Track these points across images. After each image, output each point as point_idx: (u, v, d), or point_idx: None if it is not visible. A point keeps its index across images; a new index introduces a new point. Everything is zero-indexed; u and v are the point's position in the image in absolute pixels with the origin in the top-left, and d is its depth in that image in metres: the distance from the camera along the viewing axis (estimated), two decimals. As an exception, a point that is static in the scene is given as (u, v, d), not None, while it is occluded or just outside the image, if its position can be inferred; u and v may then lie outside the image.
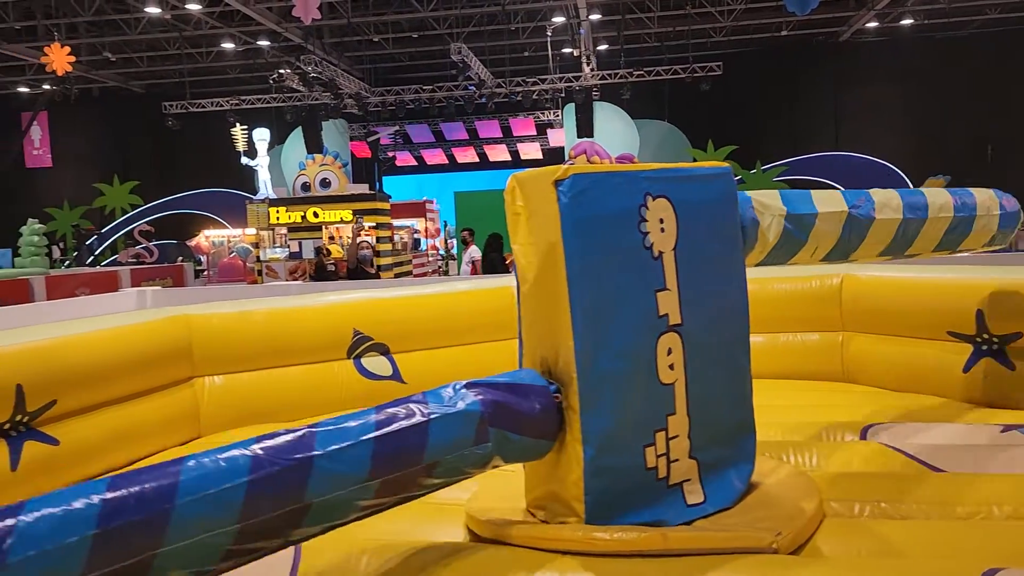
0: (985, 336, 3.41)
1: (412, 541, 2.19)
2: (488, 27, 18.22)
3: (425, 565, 2.00)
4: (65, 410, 2.96)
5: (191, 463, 1.60)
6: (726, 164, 2.28)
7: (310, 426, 1.77)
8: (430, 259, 19.63)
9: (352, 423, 1.79)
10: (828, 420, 3.18)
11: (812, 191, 2.65)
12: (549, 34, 18.43)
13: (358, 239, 12.93)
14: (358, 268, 11.28)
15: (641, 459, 2.09)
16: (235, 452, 1.64)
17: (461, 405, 1.90)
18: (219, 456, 1.62)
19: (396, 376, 3.99)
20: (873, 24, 18.52)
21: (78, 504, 1.44)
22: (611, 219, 2.07)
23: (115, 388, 3.20)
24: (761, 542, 1.92)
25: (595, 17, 17.51)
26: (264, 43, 18.64)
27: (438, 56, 19.92)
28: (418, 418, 1.83)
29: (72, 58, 13.65)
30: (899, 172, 19.22)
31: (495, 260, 10.35)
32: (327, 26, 18.11)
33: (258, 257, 15.27)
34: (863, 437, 2.93)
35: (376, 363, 3.97)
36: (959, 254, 3.32)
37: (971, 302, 3.44)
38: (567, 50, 19.27)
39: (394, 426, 1.80)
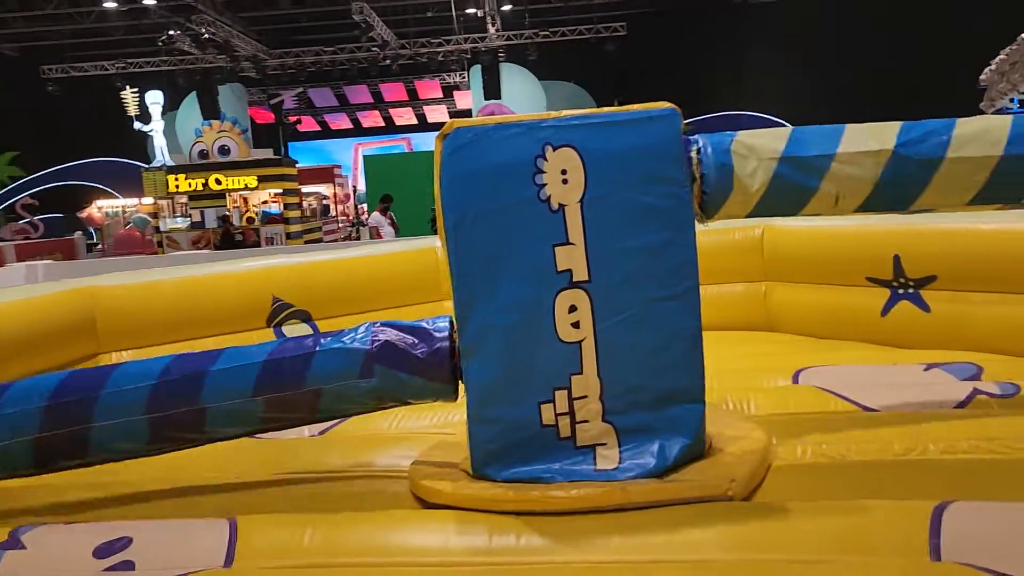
0: (902, 280, 3.52)
1: (354, 512, 2.09)
2: (390, -14, 17.71)
3: (370, 535, 1.91)
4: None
5: (125, 366, 2.21)
6: (670, 105, 2.13)
7: (225, 348, 2.18)
8: (340, 225, 19.17)
9: (253, 348, 2.17)
10: (759, 367, 3.23)
11: (854, 125, 2.24)
12: (453, -7, 18.07)
13: None
14: None
15: (535, 415, 2.04)
16: (155, 362, 2.17)
17: (351, 342, 2.11)
18: (143, 364, 2.18)
19: (320, 344, 3.84)
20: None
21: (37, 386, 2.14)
22: (495, 172, 1.99)
23: (8, 370, 2.93)
24: (717, 490, 1.91)
25: (499, -24, 17.26)
26: (150, 2, 17.54)
27: (339, 16, 19.20)
28: (306, 349, 2.11)
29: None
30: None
31: None
32: (218, -17, 17.20)
33: (157, 228, 14.56)
34: (795, 381, 2.98)
35: (298, 331, 3.80)
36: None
37: (888, 247, 3.54)
38: (471, 10, 18.94)
39: (282, 354, 2.12)
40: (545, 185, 2.00)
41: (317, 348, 2.11)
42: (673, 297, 2.08)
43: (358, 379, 2.08)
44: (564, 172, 2.00)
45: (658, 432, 2.09)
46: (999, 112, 14.33)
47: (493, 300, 1.99)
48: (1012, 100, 14.08)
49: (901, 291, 3.54)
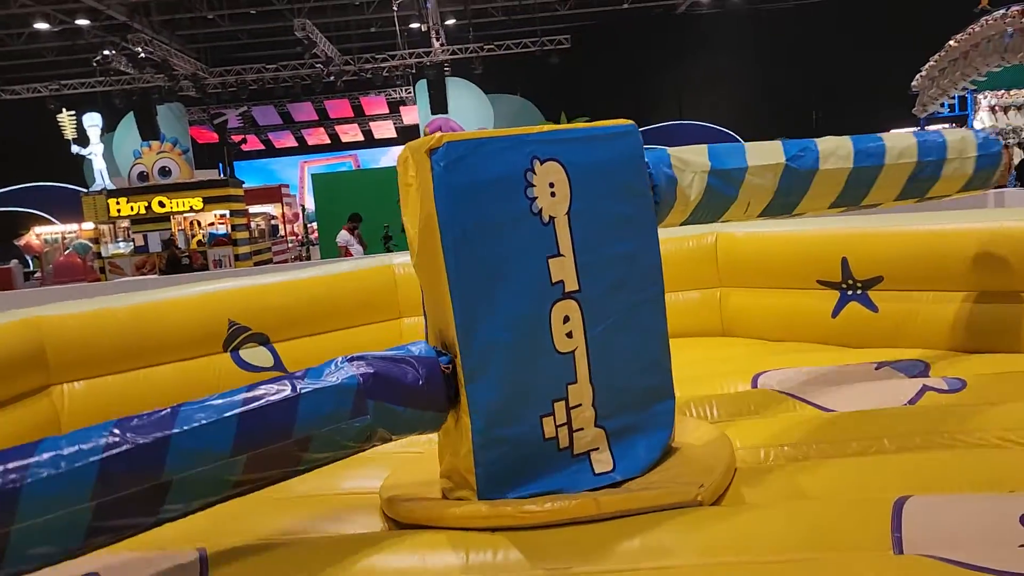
0: (850, 282, 3.63)
1: (326, 536, 2.07)
2: (332, 2, 17.60)
3: (342, 559, 1.89)
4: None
5: (48, 443, 1.63)
6: (630, 122, 2.21)
7: (178, 405, 1.79)
8: (289, 246, 18.93)
9: (218, 401, 1.81)
10: (718, 371, 3.29)
11: (748, 143, 2.56)
12: (395, 8, 18.03)
13: None
14: None
15: (538, 430, 2.05)
16: (93, 432, 1.67)
17: (336, 379, 1.89)
18: (76, 436, 1.65)
19: (279, 366, 3.78)
20: (706, -2, 19.41)
21: None
22: (490, 186, 1.99)
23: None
24: (686, 496, 1.94)
25: (441, -10, 17.31)
26: (84, 22, 17.13)
27: (280, 33, 19.02)
28: (287, 393, 1.84)
29: None
30: (738, 138, 20.30)
31: None
32: (154, 1, 16.88)
33: (99, 253, 14.17)
34: (754, 385, 3.04)
35: (256, 354, 3.74)
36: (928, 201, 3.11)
37: (837, 251, 3.64)
38: (415, 25, 18.94)
39: (260, 402, 1.81)
40: (536, 198, 2.03)
41: (301, 390, 1.85)
42: (647, 300, 2.21)
43: (351, 419, 1.88)
44: (552, 185, 2.05)
45: (642, 429, 2.19)
46: (930, 117, 14.85)
47: (494, 317, 1.98)
48: (943, 105, 14.58)
49: (850, 292, 3.65)
